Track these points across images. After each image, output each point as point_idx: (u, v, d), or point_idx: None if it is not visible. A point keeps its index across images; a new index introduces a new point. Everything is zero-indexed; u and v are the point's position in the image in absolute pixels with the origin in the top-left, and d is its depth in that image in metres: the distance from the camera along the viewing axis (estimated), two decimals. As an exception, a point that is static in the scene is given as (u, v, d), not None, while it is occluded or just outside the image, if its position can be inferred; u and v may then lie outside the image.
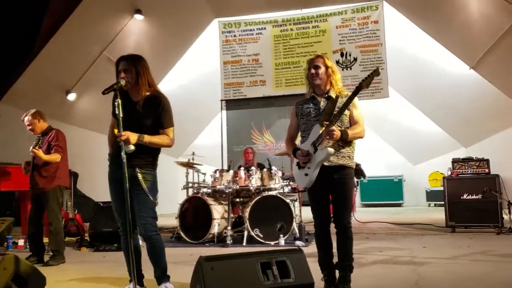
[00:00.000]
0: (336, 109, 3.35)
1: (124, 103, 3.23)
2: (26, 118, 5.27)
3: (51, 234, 5.21)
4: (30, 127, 5.26)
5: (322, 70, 3.46)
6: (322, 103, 3.47)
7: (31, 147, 5.02)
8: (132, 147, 3.18)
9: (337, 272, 3.49)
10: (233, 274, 2.81)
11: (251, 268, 2.85)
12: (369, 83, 3.25)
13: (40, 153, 5.00)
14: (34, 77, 8.75)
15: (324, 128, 3.27)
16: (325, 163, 3.32)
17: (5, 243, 6.47)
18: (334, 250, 3.54)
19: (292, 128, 3.70)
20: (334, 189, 3.42)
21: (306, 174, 3.40)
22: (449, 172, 7.15)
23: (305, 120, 3.53)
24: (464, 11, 8.37)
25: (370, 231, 7.34)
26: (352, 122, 3.43)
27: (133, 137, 3.19)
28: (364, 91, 9.30)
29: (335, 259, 3.51)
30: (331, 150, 3.25)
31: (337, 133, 3.22)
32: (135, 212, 3.36)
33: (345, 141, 3.35)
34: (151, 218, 3.35)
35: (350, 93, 3.39)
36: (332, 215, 3.51)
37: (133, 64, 3.36)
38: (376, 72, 3.27)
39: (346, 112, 3.39)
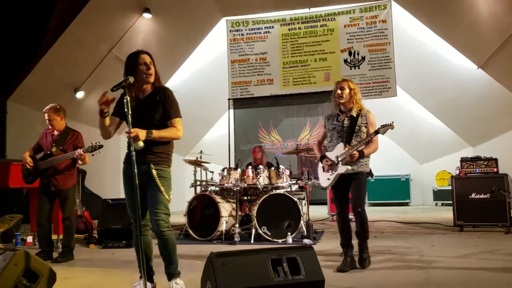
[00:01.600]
0: (357, 127, 4.38)
1: (131, 99, 3.23)
2: (49, 113, 5.26)
3: (65, 229, 5.27)
4: (50, 121, 5.26)
5: (346, 91, 4.41)
6: (346, 121, 4.44)
7: (80, 150, 5.02)
8: (141, 144, 3.19)
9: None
10: (244, 270, 2.81)
11: (262, 264, 2.85)
12: (385, 131, 4.23)
13: (87, 158, 5.13)
14: (42, 75, 8.81)
15: (347, 149, 4.30)
16: (349, 169, 4.32)
17: (14, 240, 6.53)
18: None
19: (321, 137, 4.74)
20: (352, 187, 4.40)
21: (328, 179, 4.47)
22: (457, 171, 7.13)
23: (331, 134, 4.54)
24: (472, 10, 8.33)
25: (378, 230, 7.33)
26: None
27: (141, 133, 3.20)
28: (372, 90, 9.42)
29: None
30: (349, 167, 4.31)
31: (356, 156, 4.27)
32: (148, 208, 3.38)
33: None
34: (164, 214, 3.35)
35: (368, 111, 4.47)
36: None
37: (153, 59, 3.43)
38: (391, 126, 4.24)
39: (364, 129, 4.40)
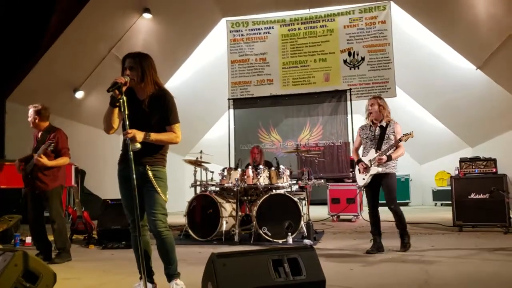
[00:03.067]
0: (386, 135, 5.28)
1: (129, 100, 3.22)
2: (32, 111, 5.18)
3: (55, 232, 5.18)
4: (32, 125, 5.19)
5: (375, 107, 5.33)
6: (377, 131, 5.35)
7: (36, 155, 4.97)
8: (138, 145, 3.17)
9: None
10: (245, 271, 2.81)
11: (263, 265, 2.85)
12: (406, 139, 5.14)
13: (45, 160, 5.00)
14: (42, 75, 8.78)
15: (377, 154, 5.21)
16: (380, 171, 5.21)
17: (13, 240, 6.51)
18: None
19: (357, 144, 5.62)
20: (384, 188, 5.29)
21: (363, 179, 5.35)
22: (456, 172, 7.14)
23: (364, 142, 5.47)
24: (471, 11, 8.34)
25: (377, 230, 7.33)
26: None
27: (139, 135, 3.18)
28: (372, 90, 9.45)
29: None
30: (379, 169, 5.21)
31: (384, 159, 5.17)
32: (145, 209, 3.38)
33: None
34: (161, 214, 3.34)
35: (395, 122, 5.35)
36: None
37: (139, 62, 3.34)
38: (411, 135, 5.15)
39: (392, 137, 5.27)
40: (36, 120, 5.21)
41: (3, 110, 9.18)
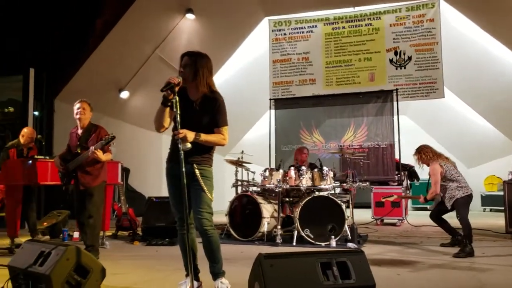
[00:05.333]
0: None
1: (181, 100, 3.23)
2: (83, 103, 5.17)
3: (89, 227, 5.12)
4: (80, 112, 5.15)
5: (419, 161, 6.02)
6: None
7: (93, 148, 4.91)
8: (189, 145, 3.18)
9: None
10: (293, 272, 2.76)
11: (311, 267, 2.79)
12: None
13: (101, 155, 4.96)
14: (88, 75, 9.03)
15: None
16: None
17: (61, 235, 6.71)
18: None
19: None
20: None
21: None
22: (510, 176, 6.83)
23: None
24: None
25: (424, 235, 7.12)
26: None
27: (190, 135, 3.19)
28: (419, 91, 9.17)
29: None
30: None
31: (421, 201, 6.06)
32: (192, 208, 3.38)
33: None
34: (207, 213, 3.36)
35: (431, 164, 5.82)
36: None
37: (194, 61, 3.36)
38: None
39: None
40: (87, 113, 5.20)
41: (52, 109, 9.51)
